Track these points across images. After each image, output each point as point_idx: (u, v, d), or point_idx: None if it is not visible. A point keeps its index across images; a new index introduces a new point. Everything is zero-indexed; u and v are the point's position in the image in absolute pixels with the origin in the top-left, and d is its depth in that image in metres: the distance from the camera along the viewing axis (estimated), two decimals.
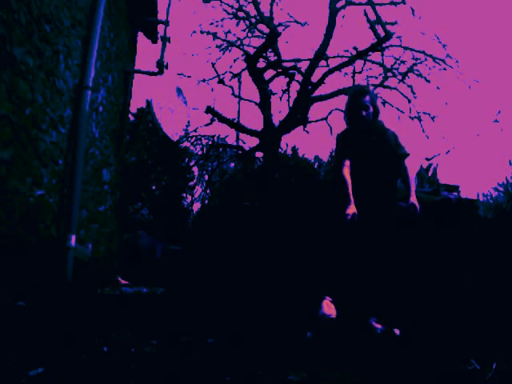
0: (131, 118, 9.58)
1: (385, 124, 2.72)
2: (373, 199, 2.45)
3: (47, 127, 2.82)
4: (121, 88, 4.50)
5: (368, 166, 2.54)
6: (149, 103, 4.92)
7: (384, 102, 7.78)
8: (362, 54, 7.21)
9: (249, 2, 7.63)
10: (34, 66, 2.60)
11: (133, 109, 9.89)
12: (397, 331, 2.19)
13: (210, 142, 8.85)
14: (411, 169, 2.56)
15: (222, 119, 7.91)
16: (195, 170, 10.08)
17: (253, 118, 10.16)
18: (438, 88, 7.71)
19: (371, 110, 2.60)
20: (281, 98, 8.53)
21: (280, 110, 8.73)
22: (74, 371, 1.55)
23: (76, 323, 2.27)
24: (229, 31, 8.04)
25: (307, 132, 8.35)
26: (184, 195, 9.99)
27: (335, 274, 2.39)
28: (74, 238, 3.13)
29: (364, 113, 2.57)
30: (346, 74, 7.96)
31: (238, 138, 9.50)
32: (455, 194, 3.41)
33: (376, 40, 6.84)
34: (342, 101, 8.42)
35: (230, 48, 8.16)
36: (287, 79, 8.17)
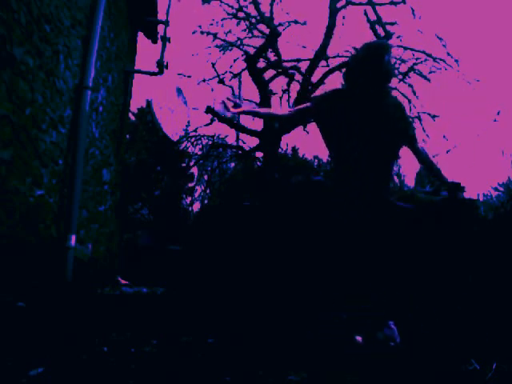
0: (131, 117, 9.58)
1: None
2: (370, 192, 2.16)
3: (47, 127, 2.82)
4: (121, 88, 4.50)
5: (366, 147, 2.05)
6: (149, 103, 4.92)
7: None
8: None
9: (249, 3, 7.64)
10: (34, 65, 2.60)
11: (133, 109, 9.90)
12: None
13: (210, 142, 8.85)
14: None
15: (222, 119, 7.91)
16: (195, 170, 10.09)
17: (253, 118, 10.15)
18: (439, 87, 7.72)
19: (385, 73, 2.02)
20: (281, 98, 8.55)
21: None
22: (74, 371, 1.55)
23: (76, 323, 2.27)
24: (229, 31, 8.05)
25: (307, 132, 8.36)
26: (184, 195, 9.99)
27: (335, 275, 2.39)
28: (73, 238, 3.13)
29: (382, 71, 1.97)
30: None
31: (238, 138, 9.51)
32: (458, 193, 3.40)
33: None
34: None
35: (230, 48, 8.17)
36: (287, 79, 8.18)
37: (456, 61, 7.34)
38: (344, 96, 2.12)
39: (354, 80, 2.07)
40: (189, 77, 8.12)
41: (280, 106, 8.50)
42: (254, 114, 2.29)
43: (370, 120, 2.05)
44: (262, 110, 2.26)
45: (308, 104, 2.22)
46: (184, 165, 9.98)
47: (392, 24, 6.99)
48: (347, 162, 2.12)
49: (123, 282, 4.43)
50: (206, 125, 8.38)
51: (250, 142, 11.11)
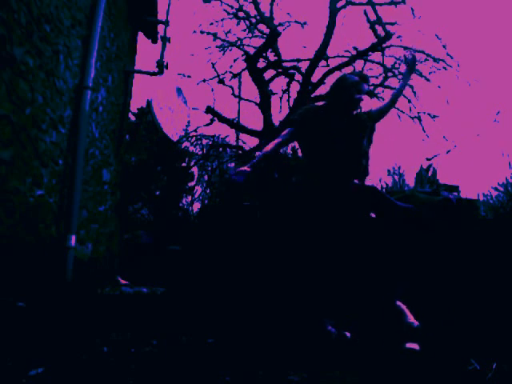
0: (131, 117, 9.58)
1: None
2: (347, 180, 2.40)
3: (47, 127, 2.82)
4: (121, 88, 4.50)
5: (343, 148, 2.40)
6: (149, 103, 4.91)
7: None
8: (362, 54, 7.22)
9: (249, 2, 7.63)
10: (34, 66, 2.60)
11: (133, 109, 9.91)
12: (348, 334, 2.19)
13: (210, 142, 8.85)
14: None
15: (222, 119, 7.91)
16: (195, 170, 10.09)
17: (253, 118, 10.15)
18: (439, 87, 7.71)
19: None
20: (281, 98, 8.53)
21: (280, 110, 8.74)
22: (74, 371, 1.55)
23: (76, 323, 2.27)
24: (229, 31, 8.04)
25: None
26: (184, 195, 9.99)
27: (336, 274, 2.39)
28: (73, 238, 3.13)
29: (360, 97, 2.45)
30: None
31: (237, 138, 9.50)
32: (455, 193, 3.41)
33: (376, 40, 6.85)
34: None
35: (230, 48, 8.16)
36: (287, 79, 8.17)
37: (454, 61, 7.34)
38: (320, 112, 2.51)
39: (333, 100, 2.52)
40: (189, 77, 8.11)
41: (280, 108, 8.49)
42: (260, 162, 2.58)
43: (344, 128, 2.46)
44: (261, 156, 2.53)
45: (290, 129, 2.55)
46: (184, 165, 9.97)
47: (392, 24, 6.99)
48: (328, 161, 2.42)
49: (123, 281, 4.42)
50: (206, 125, 8.37)
51: (250, 141, 11.12)
